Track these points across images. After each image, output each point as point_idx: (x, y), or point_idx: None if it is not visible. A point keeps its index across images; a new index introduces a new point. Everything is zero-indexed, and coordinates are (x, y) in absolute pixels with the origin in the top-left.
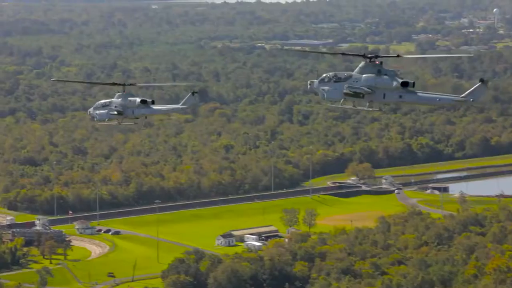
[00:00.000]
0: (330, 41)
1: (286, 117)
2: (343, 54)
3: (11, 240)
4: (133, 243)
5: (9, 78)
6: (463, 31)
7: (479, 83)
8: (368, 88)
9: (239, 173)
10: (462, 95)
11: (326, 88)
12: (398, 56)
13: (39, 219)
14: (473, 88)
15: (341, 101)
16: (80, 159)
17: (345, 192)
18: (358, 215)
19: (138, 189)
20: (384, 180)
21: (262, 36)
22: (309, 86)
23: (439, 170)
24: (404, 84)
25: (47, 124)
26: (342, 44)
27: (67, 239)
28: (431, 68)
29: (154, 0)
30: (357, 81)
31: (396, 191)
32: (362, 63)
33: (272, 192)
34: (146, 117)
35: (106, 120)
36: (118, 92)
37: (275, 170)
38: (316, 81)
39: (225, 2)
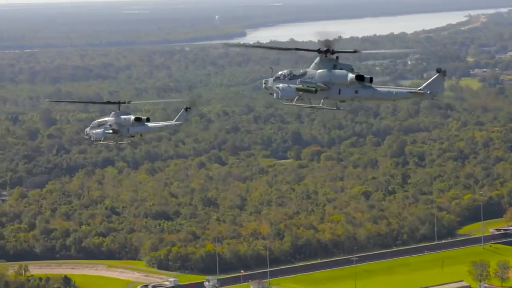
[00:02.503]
0: (387, 78)
1: (401, 159)
2: (296, 49)
3: None
4: None
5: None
6: None
7: (437, 74)
8: (323, 84)
9: (395, 222)
10: (420, 88)
11: (280, 86)
12: (355, 51)
13: (208, 280)
14: (430, 79)
15: (295, 99)
16: (212, 211)
17: None
18: None
19: (293, 242)
20: None
21: None
22: (263, 85)
23: None
24: (359, 78)
25: (155, 175)
26: (402, 81)
27: None
28: None
29: (183, 42)
30: (312, 78)
31: None
32: (317, 59)
33: (437, 242)
34: (141, 135)
35: (103, 139)
36: (113, 111)
37: (430, 218)
38: (270, 79)
39: (258, 42)
